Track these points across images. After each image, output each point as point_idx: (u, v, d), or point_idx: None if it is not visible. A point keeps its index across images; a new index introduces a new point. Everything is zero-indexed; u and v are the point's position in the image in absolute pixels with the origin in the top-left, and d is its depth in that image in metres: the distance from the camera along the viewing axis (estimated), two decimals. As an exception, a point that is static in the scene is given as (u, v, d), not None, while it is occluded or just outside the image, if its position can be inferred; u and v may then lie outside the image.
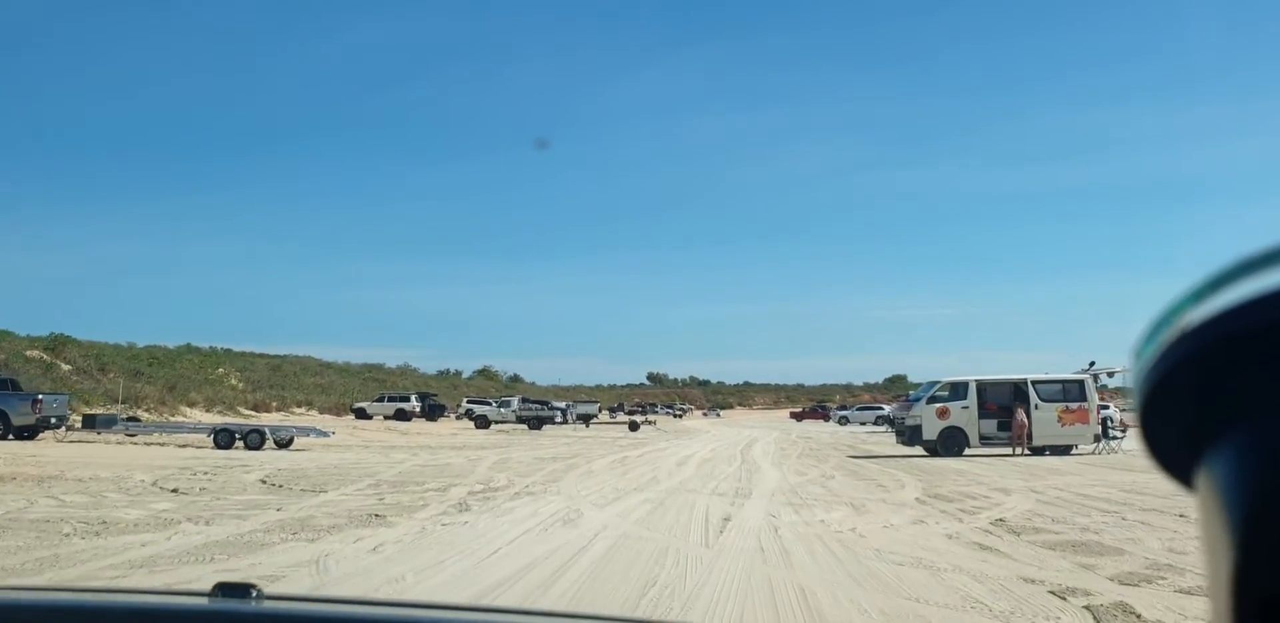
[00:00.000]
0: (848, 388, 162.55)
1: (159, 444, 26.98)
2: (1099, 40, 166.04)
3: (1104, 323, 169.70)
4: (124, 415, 33.48)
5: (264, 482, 15.81)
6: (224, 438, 26.10)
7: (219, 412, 54.06)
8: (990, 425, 25.50)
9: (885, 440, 37.04)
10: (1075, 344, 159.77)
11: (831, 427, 67.48)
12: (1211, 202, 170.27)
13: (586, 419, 68.58)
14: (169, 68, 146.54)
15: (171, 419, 43.58)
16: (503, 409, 53.07)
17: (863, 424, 71.20)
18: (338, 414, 63.25)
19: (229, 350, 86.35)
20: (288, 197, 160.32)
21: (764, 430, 53.95)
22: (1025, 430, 24.88)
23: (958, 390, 25.87)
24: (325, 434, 28.22)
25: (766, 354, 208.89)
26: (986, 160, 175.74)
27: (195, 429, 28.87)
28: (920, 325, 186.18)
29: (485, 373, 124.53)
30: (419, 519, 11.08)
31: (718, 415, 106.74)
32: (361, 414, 60.40)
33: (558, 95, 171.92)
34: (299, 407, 65.66)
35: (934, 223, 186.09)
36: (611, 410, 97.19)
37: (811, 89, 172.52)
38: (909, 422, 25.80)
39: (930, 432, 25.36)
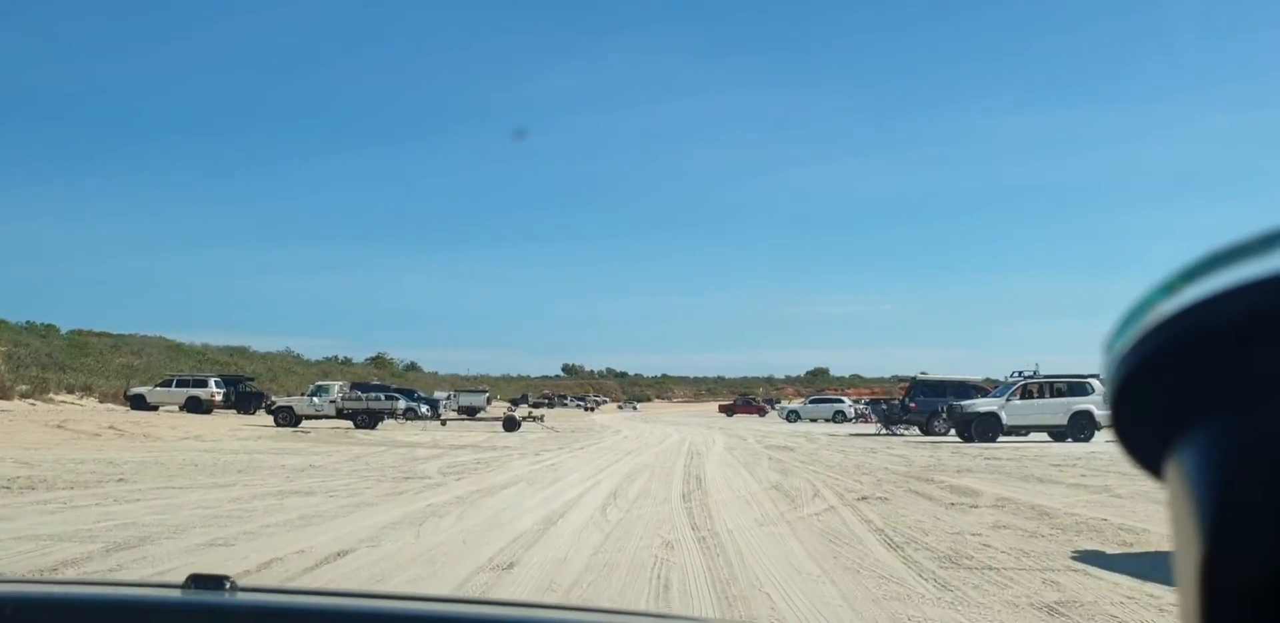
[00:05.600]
0: (769, 380, 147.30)
1: None
2: (1013, 44, 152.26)
3: (1011, 321, 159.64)
4: None
5: None
6: None
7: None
8: None
9: (956, 460, 18.68)
10: (982, 341, 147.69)
11: (777, 424, 49.14)
12: (1120, 204, 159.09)
13: (471, 412, 50.18)
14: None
15: None
16: (316, 399, 33.55)
17: (814, 421, 52.99)
18: (124, 403, 43.65)
19: (43, 326, 66.61)
20: (193, 179, 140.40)
21: (698, 430, 35.53)
22: None
23: None
24: None
25: (684, 348, 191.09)
26: (901, 161, 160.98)
27: None
28: (834, 322, 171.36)
29: (379, 361, 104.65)
30: None
31: (634, 409, 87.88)
32: (140, 403, 40.65)
33: (473, 84, 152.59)
34: (72, 393, 45.58)
35: (847, 220, 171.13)
36: (514, 402, 78.90)
37: (731, 83, 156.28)
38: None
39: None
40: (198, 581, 1.18)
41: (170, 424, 30.10)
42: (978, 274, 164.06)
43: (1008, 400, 25.24)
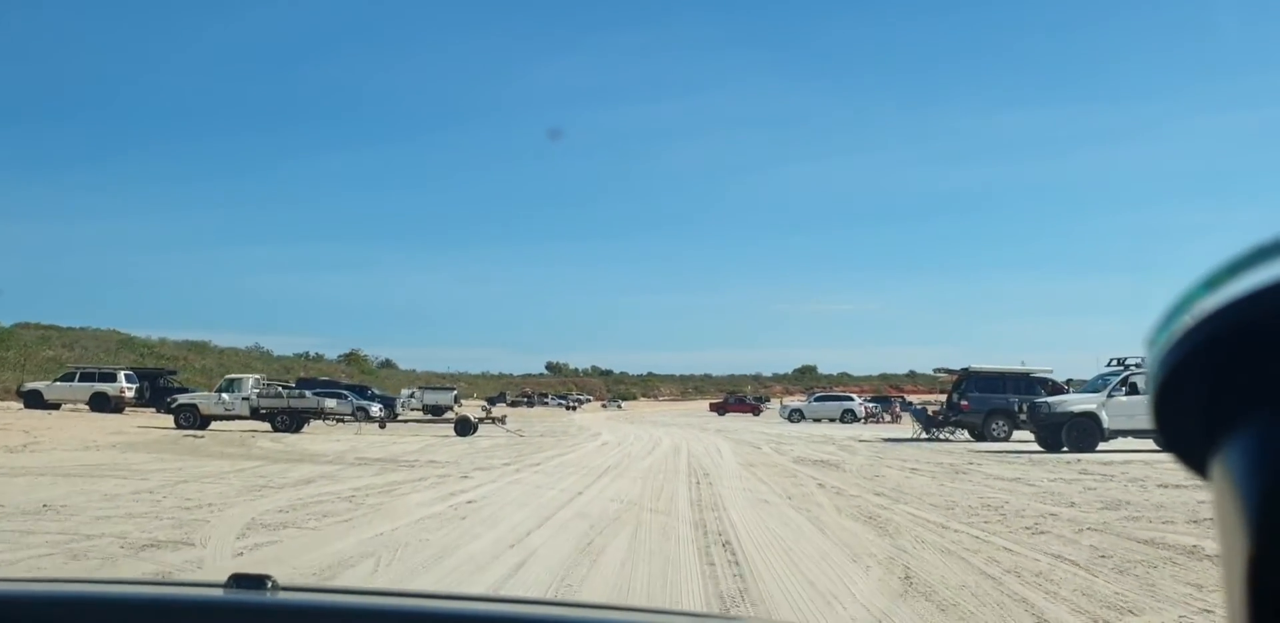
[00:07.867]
0: (757, 378, 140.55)
1: None
2: (1008, 43, 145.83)
3: (997, 320, 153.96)
4: None
5: None
6: None
7: None
8: None
9: (1120, 492, 12.02)
10: (968, 340, 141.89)
11: (779, 424, 42.35)
12: (1104, 204, 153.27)
13: (438, 412, 43.79)
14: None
15: None
16: (226, 396, 26.69)
17: (818, 421, 46.28)
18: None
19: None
20: (180, 178, 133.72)
21: (692, 433, 28.87)
22: None
23: None
24: None
25: (670, 346, 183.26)
26: (890, 160, 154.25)
27: None
28: (822, 320, 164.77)
29: (352, 357, 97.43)
30: None
31: (619, 407, 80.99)
32: (36, 401, 33.71)
33: (464, 84, 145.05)
34: (-31, 390, 38.66)
35: (835, 219, 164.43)
36: (490, 401, 72.35)
37: (722, 81, 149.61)
38: None
39: None
40: (239, 580, 1.17)
41: (32, 427, 23.24)
42: (964, 273, 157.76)
43: (1109, 397, 18.61)
